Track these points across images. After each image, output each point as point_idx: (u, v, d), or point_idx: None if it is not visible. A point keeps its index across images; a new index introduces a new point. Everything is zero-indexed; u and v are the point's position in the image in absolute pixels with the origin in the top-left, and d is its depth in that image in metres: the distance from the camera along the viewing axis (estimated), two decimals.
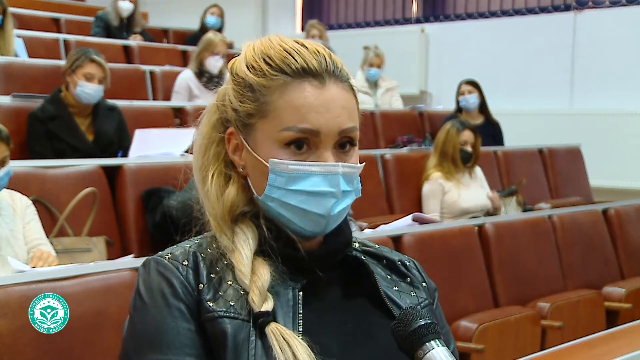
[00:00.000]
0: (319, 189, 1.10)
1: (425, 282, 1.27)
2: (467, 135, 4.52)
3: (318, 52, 1.13)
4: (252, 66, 1.14)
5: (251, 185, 1.16)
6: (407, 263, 1.27)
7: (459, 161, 4.50)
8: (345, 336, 1.12)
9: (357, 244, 1.26)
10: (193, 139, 1.22)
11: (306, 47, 1.13)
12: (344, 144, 1.13)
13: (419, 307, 1.19)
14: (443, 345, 1.03)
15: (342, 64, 1.15)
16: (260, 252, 1.13)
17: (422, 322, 1.04)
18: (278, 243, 1.12)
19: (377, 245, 1.28)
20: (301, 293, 1.11)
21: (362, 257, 1.23)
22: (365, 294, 1.18)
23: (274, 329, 1.04)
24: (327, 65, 1.12)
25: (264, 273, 1.09)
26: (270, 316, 1.06)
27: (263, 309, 1.06)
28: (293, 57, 1.11)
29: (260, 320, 1.05)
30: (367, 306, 1.17)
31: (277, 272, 1.11)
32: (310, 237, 1.14)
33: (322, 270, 1.14)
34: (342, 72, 1.14)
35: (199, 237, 1.18)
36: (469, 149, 4.52)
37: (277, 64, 1.12)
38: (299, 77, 1.11)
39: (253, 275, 1.09)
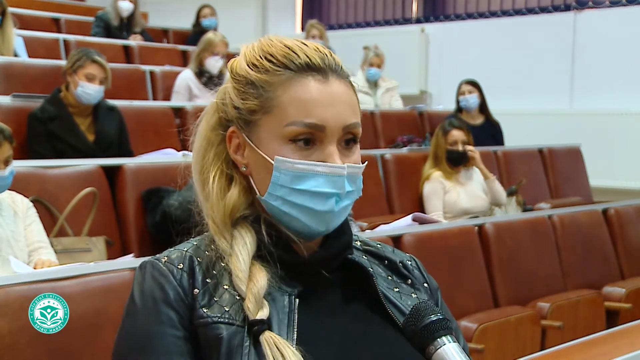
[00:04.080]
0: (323, 190, 1.09)
1: (427, 282, 1.25)
2: (456, 134, 4.43)
3: (319, 49, 1.14)
4: (254, 64, 1.13)
5: (254, 184, 1.14)
6: (409, 263, 1.25)
7: (450, 162, 4.46)
8: (342, 344, 1.10)
9: (358, 243, 1.25)
10: (192, 141, 1.20)
11: (306, 44, 1.14)
12: (348, 140, 1.12)
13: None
14: (455, 342, 1.03)
15: (341, 63, 1.15)
16: (259, 257, 1.11)
17: (433, 317, 1.04)
18: (277, 249, 1.11)
19: (379, 245, 1.27)
20: (297, 300, 1.10)
21: (364, 256, 1.22)
22: (365, 297, 1.16)
23: (268, 338, 1.03)
24: (329, 62, 1.12)
25: (261, 279, 1.08)
26: (265, 324, 1.05)
27: (258, 316, 1.05)
28: (296, 53, 1.11)
29: (255, 329, 1.04)
30: (366, 311, 1.15)
31: (275, 277, 1.10)
32: (314, 236, 1.13)
33: (321, 274, 1.13)
34: (342, 70, 1.14)
35: (197, 238, 1.17)
36: (459, 148, 4.43)
37: (280, 60, 1.12)
38: (303, 72, 1.11)
39: (249, 281, 1.08)
